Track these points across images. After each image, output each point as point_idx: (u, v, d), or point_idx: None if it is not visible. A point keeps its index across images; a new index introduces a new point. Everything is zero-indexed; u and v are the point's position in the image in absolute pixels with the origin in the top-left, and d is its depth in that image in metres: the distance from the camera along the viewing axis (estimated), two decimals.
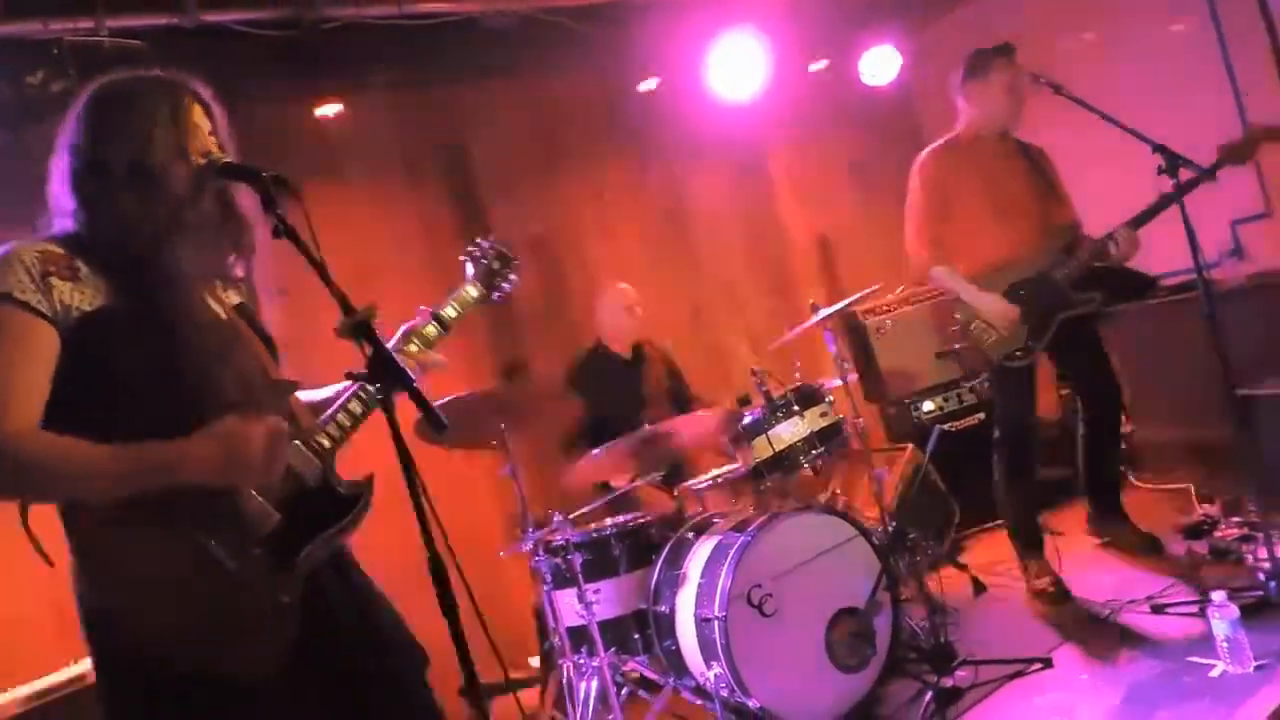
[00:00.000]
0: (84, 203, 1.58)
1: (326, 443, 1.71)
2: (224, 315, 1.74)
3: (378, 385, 1.72)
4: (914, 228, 3.57)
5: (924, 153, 3.61)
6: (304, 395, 1.90)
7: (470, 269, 2.18)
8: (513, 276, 2.21)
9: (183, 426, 1.47)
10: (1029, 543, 3.59)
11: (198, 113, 1.69)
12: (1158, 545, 3.56)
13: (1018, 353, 3.40)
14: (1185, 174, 2.94)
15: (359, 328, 1.75)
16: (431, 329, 2.02)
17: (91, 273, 1.53)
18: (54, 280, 1.49)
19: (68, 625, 3.04)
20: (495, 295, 2.19)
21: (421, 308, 2.03)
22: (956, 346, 3.56)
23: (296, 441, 1.66)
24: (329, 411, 1.75)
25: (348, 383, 1.79)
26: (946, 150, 3.57)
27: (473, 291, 2.11)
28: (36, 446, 1.43)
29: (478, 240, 2.21)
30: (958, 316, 3.51)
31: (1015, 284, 3.39)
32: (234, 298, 1.82)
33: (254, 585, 1.52)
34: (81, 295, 1.51)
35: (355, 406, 1.75)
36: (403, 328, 2.00)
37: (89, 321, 1.49)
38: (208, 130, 1.70)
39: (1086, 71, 4.25)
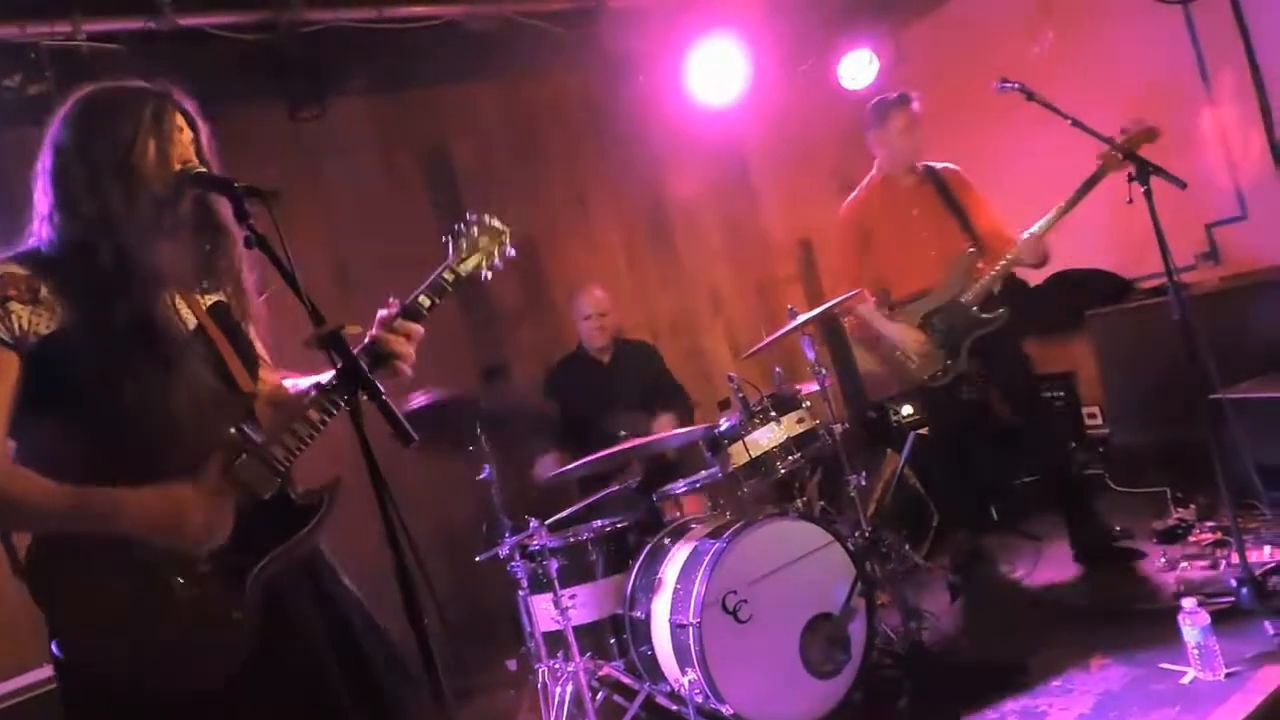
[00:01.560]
0: (64, 201, 1.58)
1: (281, 454, 1.68)
2: (192, 322, 1.74)
3: (345, 396, 1.73)
4: (838, 271, 4.02)
5: (845, 203, 4.01)
6: (291, 383, 1.89)
7: (457, 245, 2.06)
8: (509, 250, 2.09)
9: (132, 446, 1.52)
10: (963, 523, 3.96)
11: (180, 122, 1.70)
12: (1130, 557, 3.55)
13: (938, 373, 3.74)
14: (1155, 180, 2.95)
15: (328, 339, 1.75)
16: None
17: (50, 292, 1.55)
18: (13, 305, 1.51)
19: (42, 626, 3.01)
20: (485, 273, 2.08)
21: (391, 299, 1.95)
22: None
23: (247, 455, 1.65)
24: (286, 419, 1.72)
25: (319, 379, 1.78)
26: (861, 199, 3.96)
27: (450, 275, 1.98)
28: (9, 479, 1.48)
29: (466, 217, 2.09)
30: (880, 344, 3.87)
31: (928, 313, 3.76)
32: (211, 299, 1.82)
33: (202, 603, 1.53)
34: (39, 318, 1.53)
35: (314, 414, 1.71)
36: (378, 317, 1.92)
37: (48, 343, 1.52)
38: (189, 140, 1.72)
39: (1059, 72, 4.28)
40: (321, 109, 3.94)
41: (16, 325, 1.51)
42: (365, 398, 1.68)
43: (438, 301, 1.92)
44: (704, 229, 5.19)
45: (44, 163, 1.63)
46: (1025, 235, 3.52)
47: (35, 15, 3.19)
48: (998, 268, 3.64)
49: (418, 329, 1.86)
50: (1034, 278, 4.58)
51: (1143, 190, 2.91)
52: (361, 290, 4.07)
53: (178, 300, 1.73)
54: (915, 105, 3.80)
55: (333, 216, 4.10)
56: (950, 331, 3.71)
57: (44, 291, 1.54)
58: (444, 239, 2.08)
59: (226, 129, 4.05)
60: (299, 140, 4.03)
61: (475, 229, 2.03)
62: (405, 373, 1.79)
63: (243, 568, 1.58)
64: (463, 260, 1.99)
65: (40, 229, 1.62)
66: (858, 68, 4.89)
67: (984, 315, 3.68)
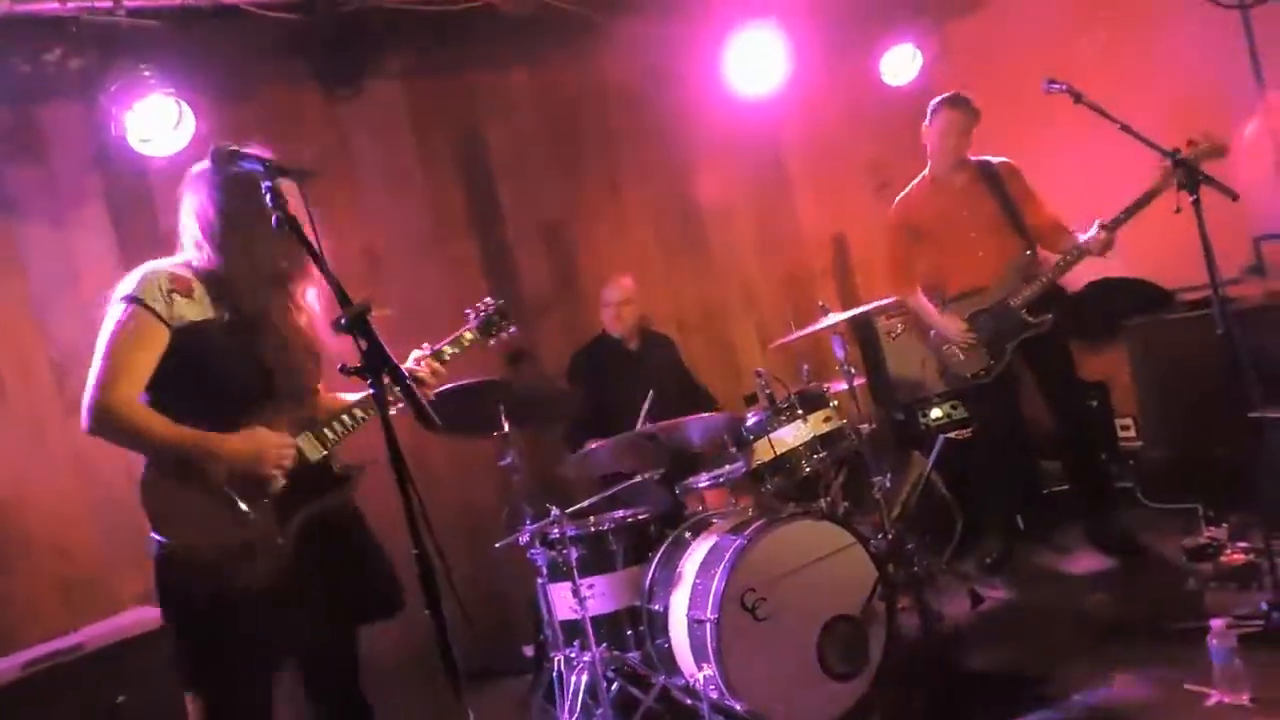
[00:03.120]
0: (220, 249, 2.16)
1: (331, 435, 2.24)
2: (295, 325, 2.24)
3: (370, 380, 1.81)
4: (887, 270, 4.09)
5: (895, 201, 4.05)
6: (346, 396, 2.33)
7: (472, 319, 2.62)
8: (511, 328, 2.67)
9: (233, 406, 2.12)
10: (991, 527, 4.04)
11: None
12: (1135, 544, 3.70)
13: (981, 371, 3.81)
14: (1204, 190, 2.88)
15: (354, 322, 1.81)
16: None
17: (203, 294, 2.14)
18: (177, 296, 2.11)
19: (72, 599, 3.08)
20: (491, 341, 2.65)
21: (425, 344, 2.46)
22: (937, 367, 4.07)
23: (309, 431, 2.22)
24: (341, 411, 2.27)
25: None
26: (910, 198, 4.00)
27: (470, 336, 2.58)
28: (130, 414, 2.04)
29: (484, 300, 2.66)
30: (931, 337, 3.95)
31: (975, 312, 3.81)
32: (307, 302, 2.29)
33: (257, 524, 2.10)
34: (192, 309, 2.12)
35: (358, 411, 2.28)
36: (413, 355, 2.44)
37: (192, 328, 2.11)
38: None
39: (1107, 73, 4.18)
40: (357, 89, 3.95)
41: (175, 311, 2.09)
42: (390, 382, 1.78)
43: (455, 353, 2.52)
44: (736, 220, 5.14)
45: (197, 208, 2.18)
46: (1095, 229, 3.51)
47: None
48: (1063, 260, 3.64)
49: (441, 370, 2.44)
50: (1073, 284, 4.49)
51: (1191, 200, 2.84)
52: (390, 272, 4.08)
53: (290, 307, 2.24)
54: (965, 106, 3.79)
55: (364, 197, 4.10)
56: (996, 332, 3.76)
57: (198, 292, 2.13)
58: (466, 311, 2.62)
59: (261, 107, 4.11)
60: (333, 120, 4.04)
61: (494, 313, 2.64)
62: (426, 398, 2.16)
63: (288, 507, 2.13)
64: (481, 332, 2.61)
65: (193, 249, 2.18)
66: (900, 63, 4.81)
67: (1030, 319, 3.70)
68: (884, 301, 3.87)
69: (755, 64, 4.51)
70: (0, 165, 3.37)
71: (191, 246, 2.19)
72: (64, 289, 3.39)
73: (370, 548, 2.31)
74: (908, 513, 3.81)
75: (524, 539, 3.14)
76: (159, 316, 2.07)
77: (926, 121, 3.87)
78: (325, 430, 2.24)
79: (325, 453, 2.23)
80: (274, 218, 1.91)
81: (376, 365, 1.87)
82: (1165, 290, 4.39)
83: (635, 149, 4.84)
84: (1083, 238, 3.56)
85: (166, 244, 3.67)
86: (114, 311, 2.09)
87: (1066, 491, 4.22)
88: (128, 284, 2.11)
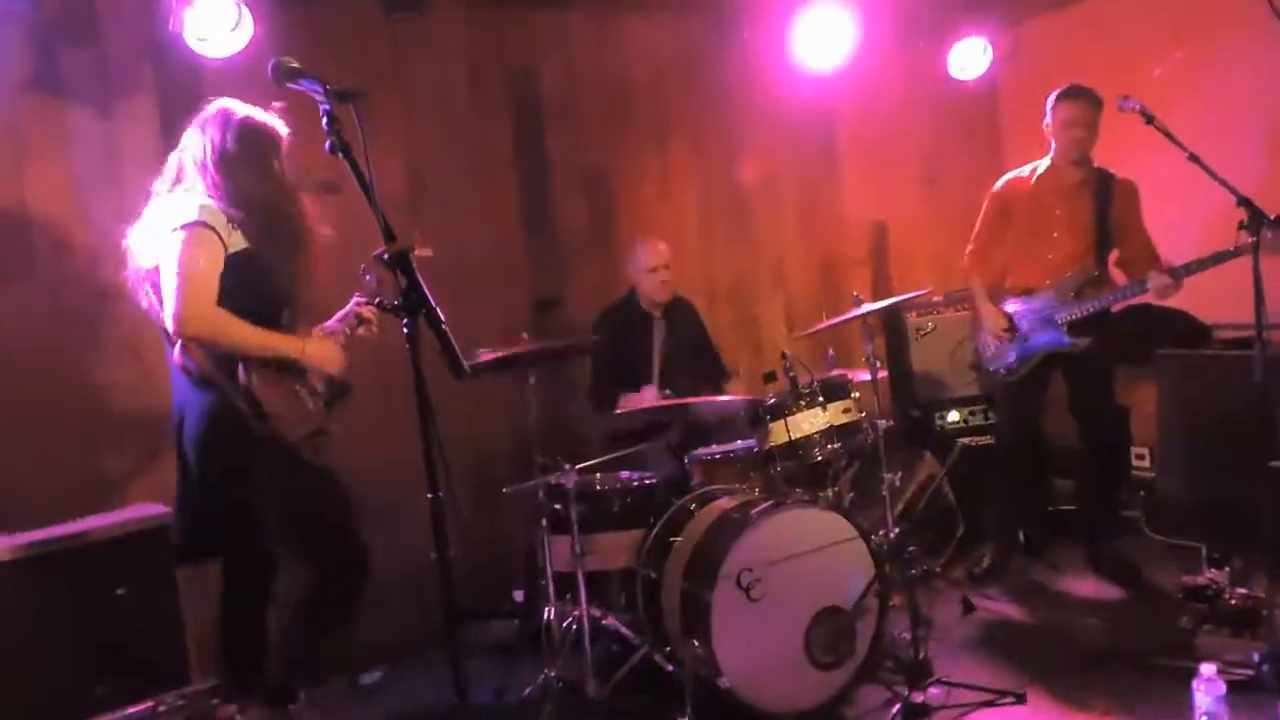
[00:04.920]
0: (235, 189, 2.60)
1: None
2: (313, 243, 2.73)
3: (405, 318, 1.82)
4: (973, 241, 4.04)
5: (1005, 176, 3.99)
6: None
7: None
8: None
9: (268, 317, 2.62)
10: (991, 536, 4.07)
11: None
12: (1136, 577, 3.71)
13: (1001, 370, 3.86)
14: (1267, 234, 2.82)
15: (397, 259, 1.81)
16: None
17: (238, 229, 2.59)
18: (231, 227, 2.57)
19: (73, 485, 3.12)
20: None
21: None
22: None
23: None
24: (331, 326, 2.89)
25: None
26: (1016, 179, 3.93)
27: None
28: (225, 320, 2.52)
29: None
30: (974, 320, 4.01)
31: (1020, 310, 3.82)
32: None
33: (320, 418, 2.71)
34: (235, 240, 2.58)
35: (346, 328, 2.90)
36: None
37: (239, 255, 2.58)
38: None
39: (1178, 94, 4.07)
40: (418, 11, 3.87)
41: (229, 239, 2.56)
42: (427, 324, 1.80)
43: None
44: (779, 196, 5.06)
45: (211, 156, 2.62)
46: (1163, 272, 3.46)
47: None
48: (1121, 290, 3.64)
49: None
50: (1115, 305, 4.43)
51: (1251, 240, 2.78)
52: (431, 199, 4.06)
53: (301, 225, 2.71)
54: (1087, 96, 3.67)
55: (414, 125, 4.05)
56: (1029, 338, 3.77)
57: (234, 227, 2.58)
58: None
59: (322, 20, 4.03)
60: (391, 41, 3.97)
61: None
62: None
63: (325, 406, 2.76)
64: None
65: (214, 190, 2.59)
66: (970, 57, 4.69)
67: (1068, 336, 3.69)
68: (917, 293, 3.79)
69: (822, 38, 4.41)
70: (52, 45, 3.33)
71: (209, 184, 2.59)
72: (105, 178, 3.38)
73: None
74: (912, 513, 3.81)
75: (532, 487, 3.16)
76: (222, 242, 2.53)
77: (1047, 118, 3.77)
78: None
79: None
80: (328, 143, 1.90)
81: (414, 305, 1.88)
82: (1204, 325, 4.32)
83: (688, 107, 4.76)
84: (1151, 278, 3.49)
85: None
86: (189, 234, 2.49)
87: (1074, 511, 4.21)
88: (190, 212, 2.51)
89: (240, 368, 2.53)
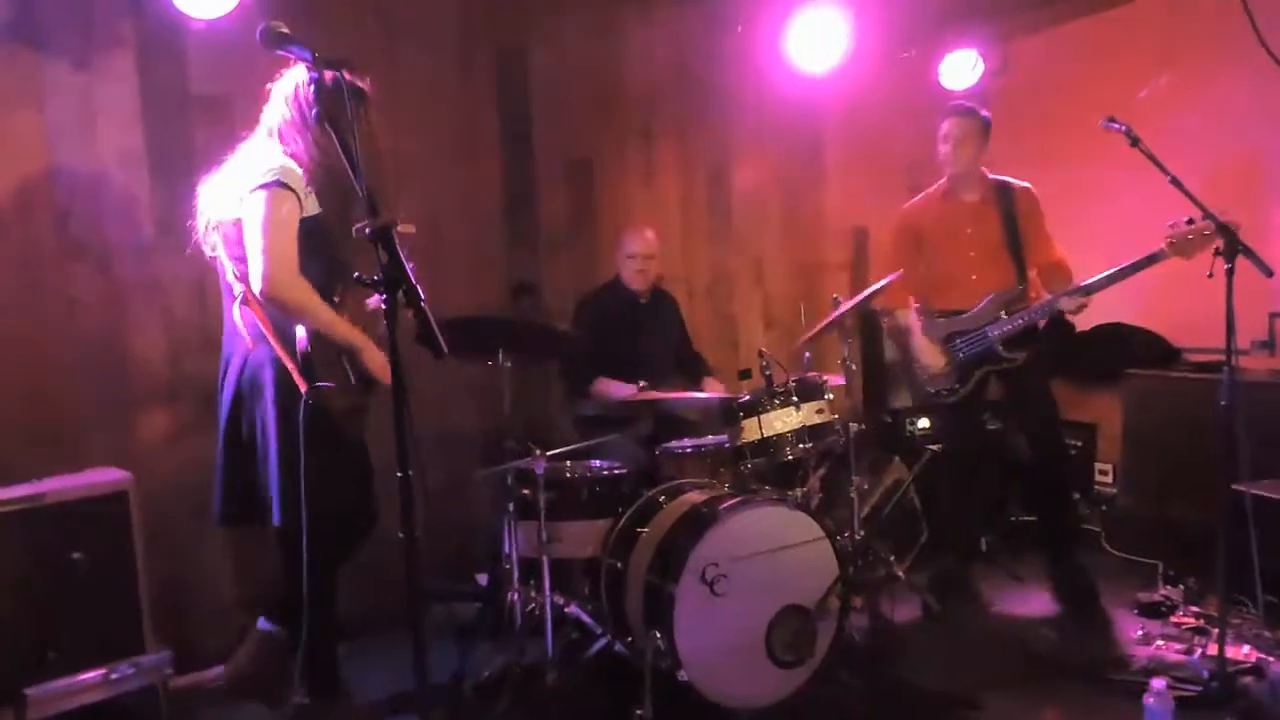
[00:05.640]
0: (319, 151, 2.54)
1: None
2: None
3: (384, 296, 1.79)
4: (886, 270, 3.89)
5: (905, 205, 4.04)
6: None
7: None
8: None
9: (325, 288, 2.59)
10: (950, 543, 4.04)
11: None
12: (1093, 600, 3.69)
13: (944, 391, 3.83)
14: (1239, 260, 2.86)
15: (378, 234, 1.79)
16: None
17: (313, 193, 2.57)
18: (309, 190, 2.55)
19: (41, 447, 3.05)
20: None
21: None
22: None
23: None
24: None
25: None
26: (919, 205, 3.99)
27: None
28: (309, 293, 2.53)
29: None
30: (906, 348, 3.95)
31: (952, 333, 3.80)
32: None
33: (364, 399, 2.71)
34: (310, 204, 2.56)
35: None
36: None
37: (312, 219, 2.57)
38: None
39: (1159, 118, 4.11)
40: None
41: (304, 201, 2.53)
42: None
43: None
44: (763, 195, 5.07)
45: (294, 117, 2.54)
46: (1073, 289, 3.52)
47: None
48: (1035, 307, 3.64)
49: None
50: (1082, 323, 4.49)
51: (1226, 268, 2.82)
52: (413, 178, 4.01)
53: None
54: (972, 115, 3.78)
55: (399, 100, 4.00)
56: (967, 358, 3.76)
57: (310, 190, 2.56)
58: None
59: None
60: (381, 12, 3.92)
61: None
62: None
63: (368, 387, 2.72)
64: None
65: (294, 152, 2.54)
66: (960, 69, 4.73)
67: (1004, 353, 3.69)
68: (890, 278, 3.77)
69: (814, 41, 4.42)
70: None
71: (293, 138, 2.55)
72: (78, 133, 3.30)
73: None
74: (878, 516, 3.84)
75: (500, 472, 3.14)
76: (300, 203, 2.51)
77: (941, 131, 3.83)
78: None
79: None
80: (313, 113, 1.87)
81: (393, 280, 1.86)
82: (1173, 347, 4.40)
83: (676, 101, 4.74)
84: (1061, 299, 3.55)
85: (191, 108, 3.57)
86: (270, 194, 2.45)
87: (1034, 522, 4.26)
88: (270, 171, 2.46)
89: (302, 332, 2.54)
